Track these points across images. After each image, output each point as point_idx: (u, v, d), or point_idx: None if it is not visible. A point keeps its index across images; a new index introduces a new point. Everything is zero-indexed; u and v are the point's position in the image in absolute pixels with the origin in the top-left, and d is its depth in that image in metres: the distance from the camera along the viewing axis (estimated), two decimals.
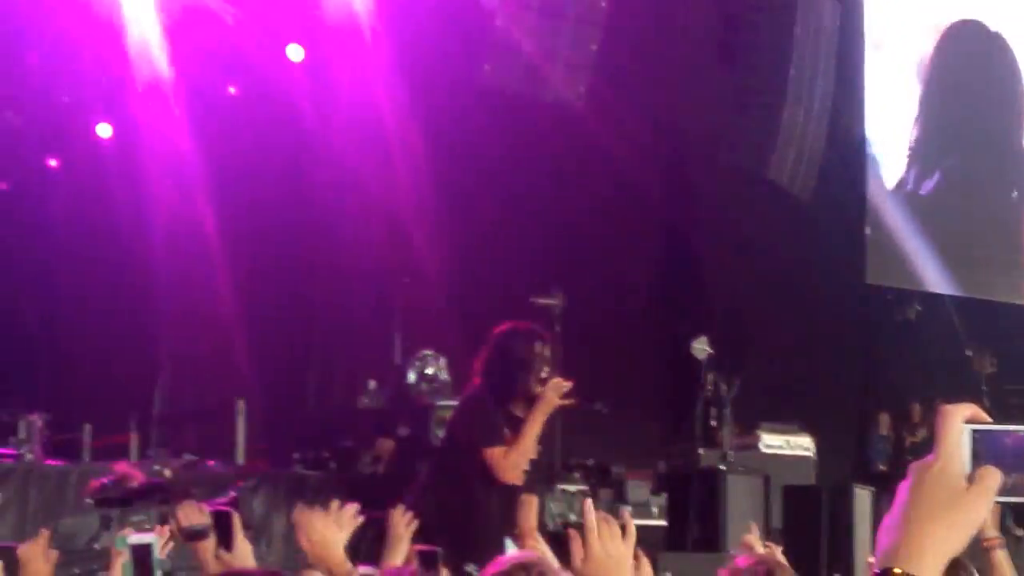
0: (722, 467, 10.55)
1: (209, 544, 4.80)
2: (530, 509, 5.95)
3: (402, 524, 5.38)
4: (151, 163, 12.36)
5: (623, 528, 3.40)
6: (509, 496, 6.77)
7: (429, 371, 9.73)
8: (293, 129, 12.54)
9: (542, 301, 10.87)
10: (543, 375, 7.04)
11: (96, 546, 5.12)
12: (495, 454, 6.93)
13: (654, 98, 14.09)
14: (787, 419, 11.58)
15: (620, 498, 10.86)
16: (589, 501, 3.61)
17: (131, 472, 8.06)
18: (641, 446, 12.22)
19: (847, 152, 14.44)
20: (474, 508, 6.97)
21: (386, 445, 9.95)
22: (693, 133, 14.29)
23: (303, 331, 13.13)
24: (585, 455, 11.30)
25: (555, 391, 6.96)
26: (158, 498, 5.31)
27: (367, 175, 12.75)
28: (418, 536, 5.39)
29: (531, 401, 6.95)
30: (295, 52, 12.31)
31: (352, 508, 4.83)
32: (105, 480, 5.92)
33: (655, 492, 11.08)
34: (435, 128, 12.78)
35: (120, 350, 12.29)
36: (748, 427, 11.35)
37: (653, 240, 14.49)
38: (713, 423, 10.97)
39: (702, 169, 14.26)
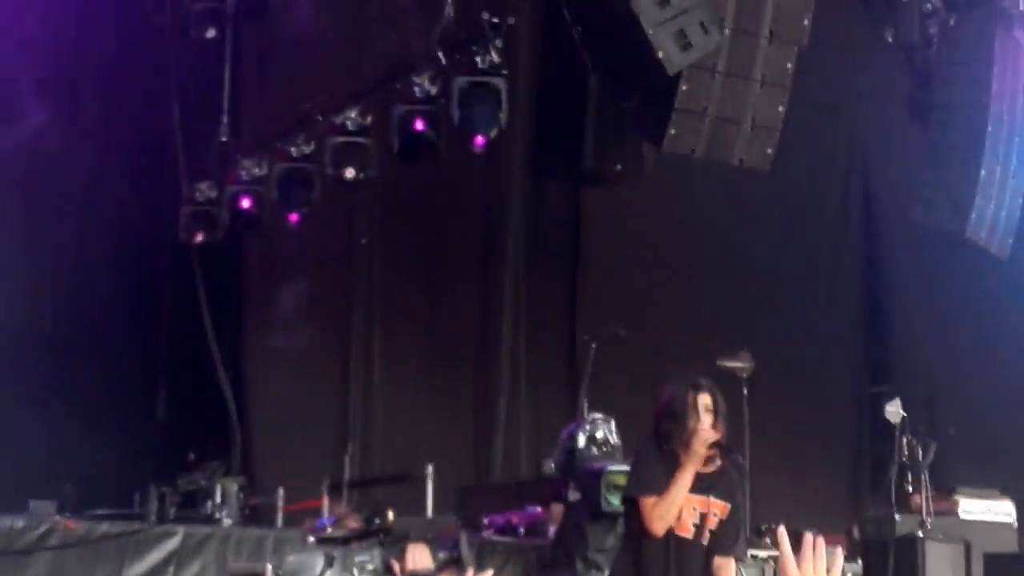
0: (920, 534, 10.23)
1: None
2: None
3: None
4: None
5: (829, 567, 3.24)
6: (682, 548, 6.71)
7: (599, 435, 9.65)
8: None
9: (729, 364, 10.74)
10: (701, 425, 6.90)
11: None
12: (644, 504, 6.88)
13: (844, 158, 13.93)
14: (987, 483, 11.21)
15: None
16: (782, 528, 3.46)
17: (349, 515, 8.20)
18: (834, 512, 11.95)
19: None
20: (639, 559, 6.92)
21: (556, 510, 9.90)
22: (887, 192, 14.05)
23: (488, 393, 13.21)
24: (776, 520, 11.06)
25: (701, 443, 6.85)
26: (379, 540, 5.37)
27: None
28: None
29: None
30: None
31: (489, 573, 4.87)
32: (324, 520, 5.99)
33: (849, 559, 10.79)
34: (618, 191, 12.81)
35: (311, 413, 12.51)
36: (946, 492, 11.00)
37: (847, 301, 14.26)
38: (909, 488, 10.64)
39: (896, 228, 13.99)
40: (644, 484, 7.00)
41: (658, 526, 6.89)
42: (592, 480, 9.33)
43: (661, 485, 6.91)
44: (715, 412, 7.01)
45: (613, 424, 9.98)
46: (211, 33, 12.10)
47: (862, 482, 13.34)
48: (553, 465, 10.35)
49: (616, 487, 8.91)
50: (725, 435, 7.03)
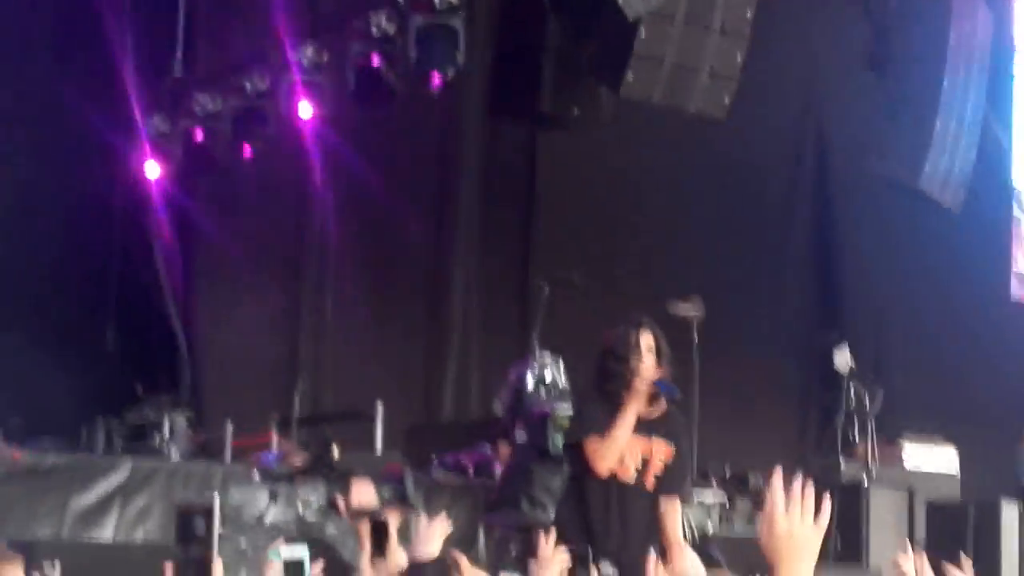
0: (864, 481, 10.33)
1: (367, 527, 4.86)
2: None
3: (550, 549, 5.35)
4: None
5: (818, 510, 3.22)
6: (624, 491, 6.73)
7: (547, 376, 9.66)
8: None
9: (679, 309, 10.77)
10: (643, 364, 6.88)
11: (266, 521, 5.14)
12: (587, 444, 6.90)
13: (800, 108, 13.97)
14: (931, 432, 11.33)
15: (758, 508, 10.69)
16: (778, 472, 3.39)
17: (294, 452, 8.18)
18: (780, 457, 12.01)
19: (996, 163, 14.14)
20: (582, 502, 6.94)
21: (504, 451, 9.93)
22: (841, 142, 14.10)
23: (441, 335, 13.22)
24: (723, 464, 11.16)
25: (642, 381, 6.83)
26: (324, 476, 5.36)
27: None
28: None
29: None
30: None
31: (444, 522, 4.91)
32: (270, 456, 5.98)
33: None
34: (574, 136, 12.80)
35: (261, 349, 12.49)
36: (890, 439, 11.11)
37: (797, 249, 14.33)
38: (854, 436, 10.74)
39: (850, 178, 14.06)
40: (587, 426, 7.01)
41: (601, 464, 6.89)
42: (539, 421, 9.32)
43: (601, 426, 6.90)
44: (657, 353, 6.98)
45: (562, 365, 10.00)
46: None
47: (809, 429, 13.45)
48: (501, 405, 10.38)
49: (563, 429, 8.94)
50: (667, 376, 6.99)
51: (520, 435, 9.56)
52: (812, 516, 3.20)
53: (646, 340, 6.97)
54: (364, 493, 5.02)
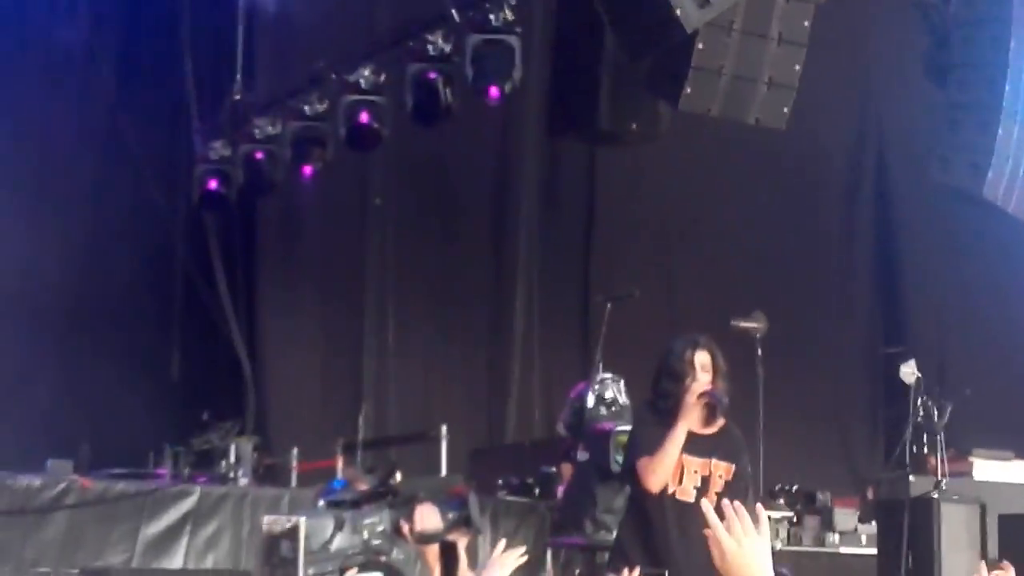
0: (935, 495, 10.20)
1: (435, 550, 4.86)
2: None
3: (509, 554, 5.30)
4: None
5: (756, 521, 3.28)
6: (684, 512, 6.68)
7: (608, 395, 9.61)
8: None
9: (743, 324, 10.71)
10: (697, 383, 6.82)
11: (331, 547, 5.18)
12: (640, 464, 6.84)
13: (860, 117, 13.86)
14: (1000, 446, 11.20)
15: (827, 526, 10.60)
16: (704, 501, 3.50)
17: (358, 478, 8.18)
18: (848, 473, 11.94)
19: None
20: (642, 522, 6.89)
21: (566, 470, 9.89)
22: (902, 151, 13.98)
23: (503, 355, 13.22)
24: (790, 481, 11.07)
25: (692, 395, 6.77)
26: (388, 502, 5.36)
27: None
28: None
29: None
30: None
31: (519, 551, 4.86)
32: (335, 483, 5.98)
33: (863, 520, 10.78)
34: (633, 151, 12.75)
35: (325, 373, 12.53)
36: (961, 453, 10.98)
37: (859, 261, 14.21)
38: (923, 449, 10.62)
39: (912, 187, 13.93)
40: (642, 447, 6.96)
41: (653, 482, 6.82)
42: (601, 440, 9.32)
43: (655, 446, 6.85)
44: (714, 370, 6.91)
45: (622, 384, 9.97)
46: None
47: (877, 443, 13.33)
48: (562, 425, 10.36)
49: (624, 447, 8.89)
50: (724, 393, 6.90)
51: (582, 454, 9.54)
52: (752, 528, 3.27)
53: (700, 358, 6.90)
54: (428, 517, 5.01)
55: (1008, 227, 13.50)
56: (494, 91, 11.39)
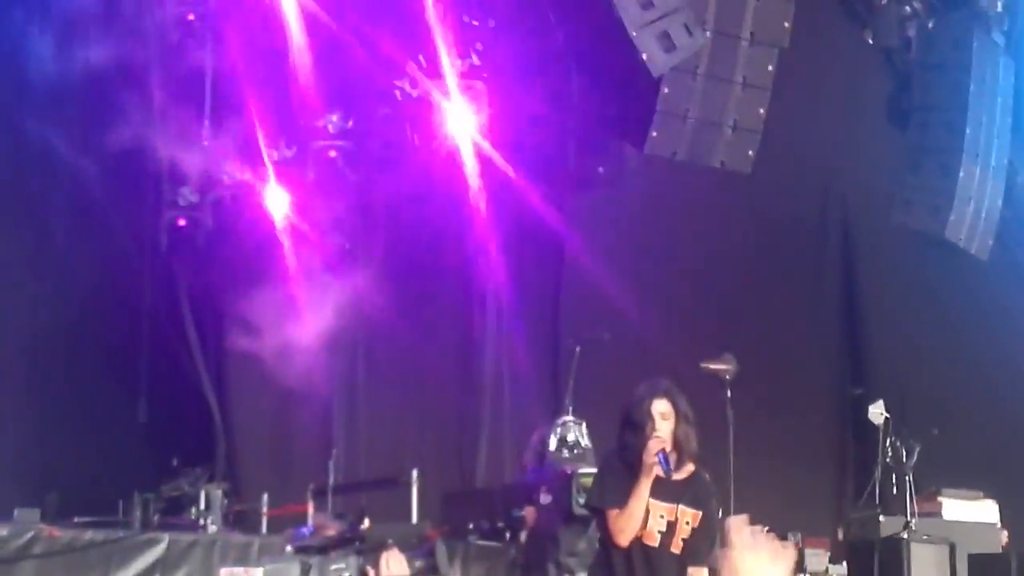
0: (905, 535, 10.27)
1: None
2: None
3: None
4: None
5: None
6: (649, 556, 6.69)
7: (570, 437, 9.62)
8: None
9: (712, 366, 10.75)
10: (655, 433, 6.81)
11: None
12: (608, 516, 6.85)
13: (823, 160, 13.99)
14: (966, 484, 11.27)
15: (798, 567, 10.63)
16: (730, 519, 3.47)
17: (327, 524, 8.15)
18: (819, 513, 11.99)
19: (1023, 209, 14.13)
20: (610, 568, 6.89)
21: (529, 514, 9.88)
22: (865, 194, 14.11)
23: (473, 403, 13.22)
24: (760, 522, 11.09)
25: (648, 453, 6.77)
26: (356, 548, 5.36)
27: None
28: None
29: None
30: None
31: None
32: (303, 529, 5.97)
33: (834, 561, 10.82)
34: (600, 195, 12.82)
35: (295, 418, 12.49)
36: (930, 494, 11.05)
37: (826, 303, 14.30)
38: (894, 490, 10.69)
39: (875, 229, 14.06)
40: (605, 496, 6.94)
41: (621, 538, 6.83)
42: (563, 483, 9.31)
43: (622, 496, 6.85)
44: (676, 416, 6.90)
45: (584, 427, 9.98)
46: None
47: (846, 483, 13.38)
48: (525, 468, 10.35)
49: (586, 490, 8.89)
50: (688, 439, 6.88)
51: (544, 497, 9.53)
52: (775, 558, 3.29)
53: (659, 406, 6.88)
54: (395, 564, 5.01)
55: (970, 268, 13.66)
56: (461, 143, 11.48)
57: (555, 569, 9.31)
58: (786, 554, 3.34)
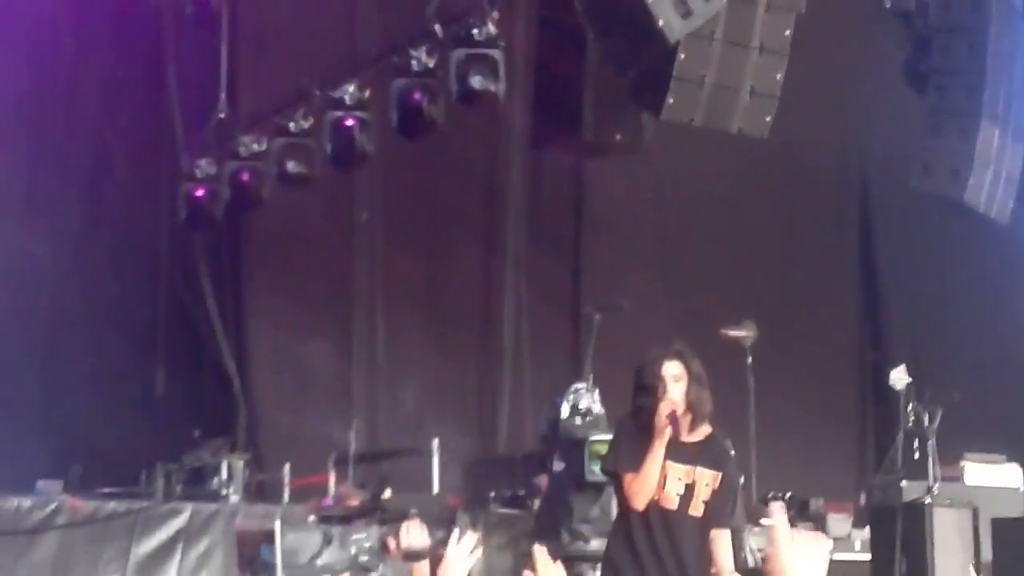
0: (927, 500, 10.24)
1: (424, 567, 4.87)
2: None
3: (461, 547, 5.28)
4: None
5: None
6: (668, 519, 6.70)
7: (582, 404, 9.62)
8: None
9: (732, 333, 10.74)
10: (667, 395, 6.78)
11: (318, 562, 5.17)
12: (623, 480, 6.85)
13: (841, 125, 13.94)
14: (988, 448, 11.24)
15: (821, 531, 10.62)
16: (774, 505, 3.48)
17: (351, 494, 8.16)
18: (840, 479, 11.98)
19: None
20: (630, 534, 6.90)
21: (543, 481, 9.88)
22: (884, 158, 14.05)
23: (493, 368, 13.23)
24: (782, 488, 11.09)
25: (659, 415, 6.75)
26: (378, 518, 5.37)
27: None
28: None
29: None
30: None
31: (472, 538, 4.89)
32: (328, 499, 5.99)
33: (857, 526, 10.82)
34: (618, 162, 12.80)
35: (315, 387, 12.51)
36: (952, 458, 11.02)
37: (846, 269, 14.27)
38: (915, 454, 10.66)
39: (894, 195, 14.00)
40: (620, 459, 6.95)
41: (637, 501, 6.84)
42: (575, 450, 9.31)
43: (637, 460, 6.84)
44: (689, 379, 6.87)
45: (597, 393, 9.98)
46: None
47: (868, 448, 13.38)
48: (539, 436, 10.35)
49: (599, 456, 8.87)
50: (701, 401, 6.85)
51: (557, 464, 9.53)
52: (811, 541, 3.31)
53: (670, 368, 6.87)
54: (415, 534, 5.02)
55: (990, 232, 13.59)
56: (478, 109, 11.43)
57: (568, 536, 9.32)
58: (823, 541, 3.37)
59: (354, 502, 8.61)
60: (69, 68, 12.56)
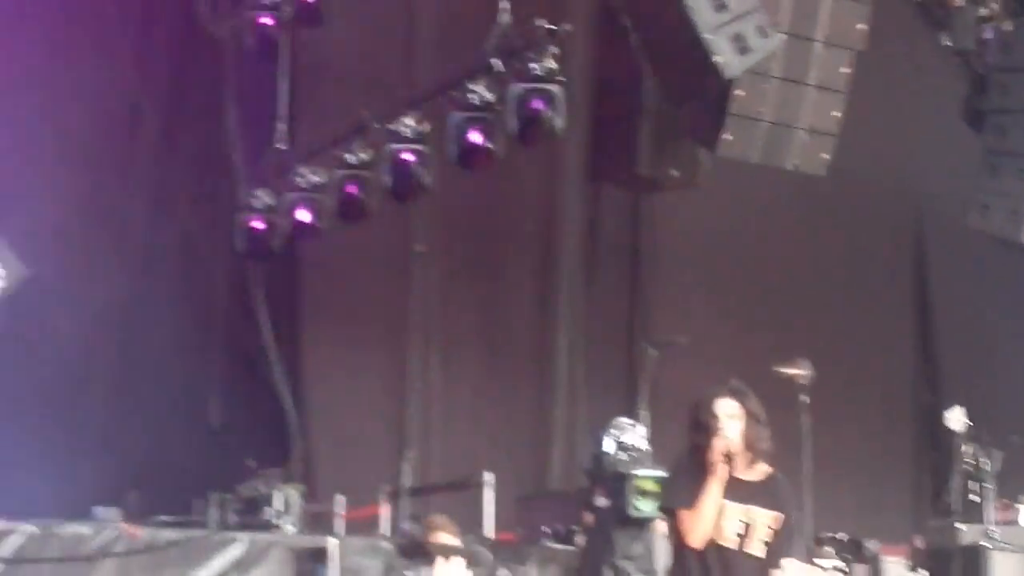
0: (985, 543, 10.16)
1: None
2: None
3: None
4: None
5: None
6: (726, 558, 6.67)
7: (627, 440, 9.60)
8: None
9: (787, 371, 10.69)
10: (721, 433, 6.77)
11: None
12: (679, 517, 6.83)
13: (898, 164, 13.90)
14: None
15: (876, 575, 10.56)
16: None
17: (443, 524, 8.13)
18: (896, 520, 11.90)
19: None
20: (683, 565, 6.88)
21: (587, 518, 9.87)
22: (940, 198, 14.00)
23: (547, 402, 13.23)
24: (837, 528, 11.04)
25: (715, 453, 6.73)
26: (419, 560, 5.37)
27: None
28: None
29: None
30: None
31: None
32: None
33: (912, 568, 10.74)
34: (674, 198, 12.81)
35: (370, 419, 12.55)
36: (1007, 501, 10.94)
37: (903, 308, 14.21)
38: (973, 497, 10.58)
39: (951, 235, 13.94)
40: (675, 496, 6.94)
41: (691, 539, 6.81)
42: (619, 485, 9.30)
43: (692, 497, 6.82)
44: (748, 417, 6.85)
45: (641, 429, 9.97)
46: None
47: (923, 491, 13.29)
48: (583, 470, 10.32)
49: (643, 492, 8.88)
50: (758, 439, 6.83)
51: (601, 500, 9.52)
52: None
53: (725, 407, 6.85)
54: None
55: None
56: (537, 144, 11.45)
57: (611, 572, 9.30)
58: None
59: (441, 538, 8.61)
60: (130, 97, 12.68)
